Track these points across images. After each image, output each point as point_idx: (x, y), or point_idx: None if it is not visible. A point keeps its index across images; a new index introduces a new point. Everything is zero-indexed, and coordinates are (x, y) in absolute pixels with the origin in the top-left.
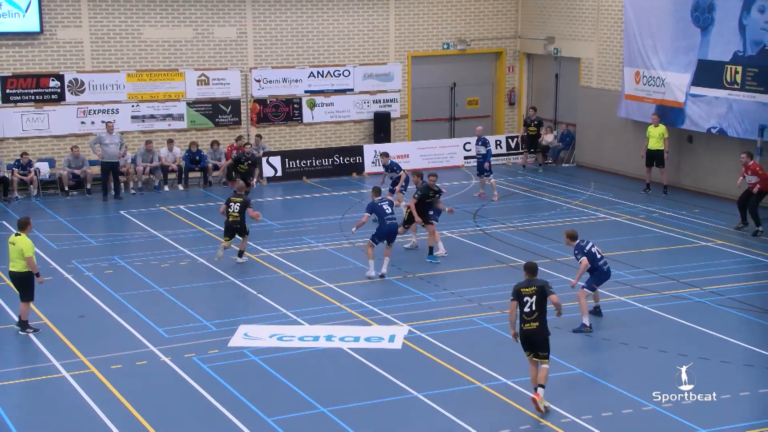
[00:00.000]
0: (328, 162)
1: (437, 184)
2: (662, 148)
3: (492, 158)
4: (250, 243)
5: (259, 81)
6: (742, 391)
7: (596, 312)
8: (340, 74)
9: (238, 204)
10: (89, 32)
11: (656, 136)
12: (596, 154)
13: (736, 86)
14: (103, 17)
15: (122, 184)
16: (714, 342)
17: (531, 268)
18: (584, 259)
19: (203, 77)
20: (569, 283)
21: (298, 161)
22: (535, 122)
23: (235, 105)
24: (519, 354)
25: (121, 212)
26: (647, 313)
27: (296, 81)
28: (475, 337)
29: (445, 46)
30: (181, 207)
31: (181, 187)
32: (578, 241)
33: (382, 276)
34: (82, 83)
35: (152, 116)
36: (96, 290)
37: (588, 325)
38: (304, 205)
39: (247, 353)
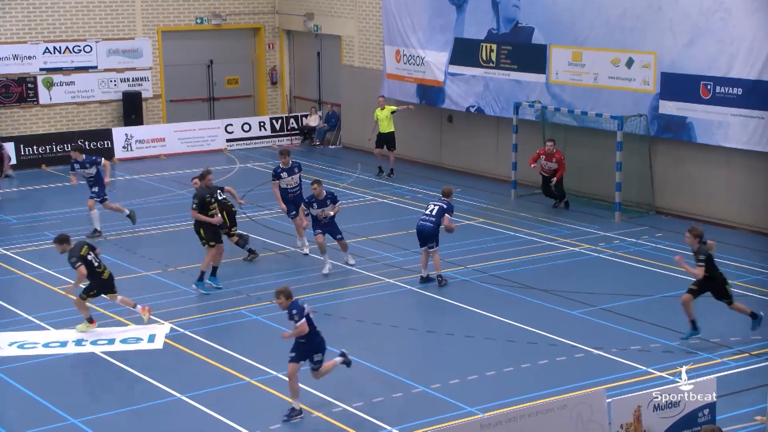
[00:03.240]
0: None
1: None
2: (393, 129)
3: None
4: None
5: None
6: (506, 368)
7: (439, 281)
8: (80, 50)
9: None
10: None
11: (384, 119)
12: (362, 135)
13: (491, 64)
14: None
15: None
16: (477, 319)
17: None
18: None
19: None
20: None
21: (35, 147)
22: None
23: None
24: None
25: None
26: (416, 294)
27: (29, 58)
28: (244, 331)
29: (199, 21)
30: None
31: None
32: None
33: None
34: None
35: None
36: None
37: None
38: (45, 196)
39: None
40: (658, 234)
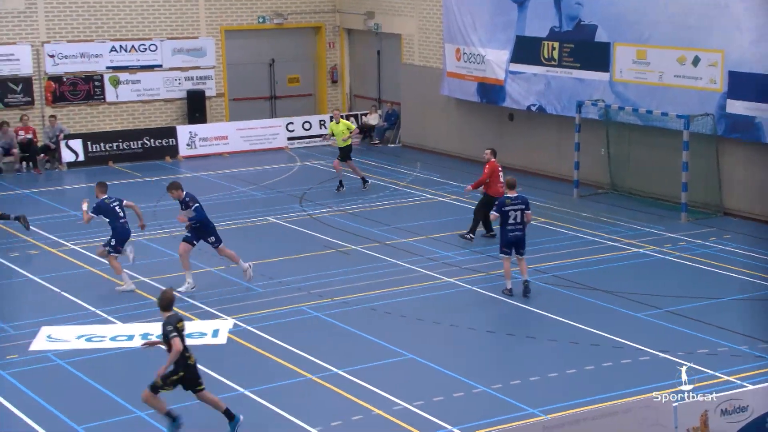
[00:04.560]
0: (138, 144)
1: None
2: (350, 143)
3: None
4: (51, 235)
5: (53, 56)
6: (568, 369)
7: (524, 288)
8: (146, 49)
9: None
10: None
11: (340, 133)
12: (421, 134)
13: (553, 62)
14: None
15: None
16: (539, 319)
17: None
18: (494, 214)
19: None
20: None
21: (102, 144)
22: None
23: (26, 83)
24: (350, 343)
25: None
26: (476, 294)
27: (96, 56)
28: (305, 327)
29: (261, 20)
30: None
31: None
32: (510, 194)
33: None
34: None
35: None
36: None
37: (509, 288)
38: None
39: (52, 357)
40: (726, 236)
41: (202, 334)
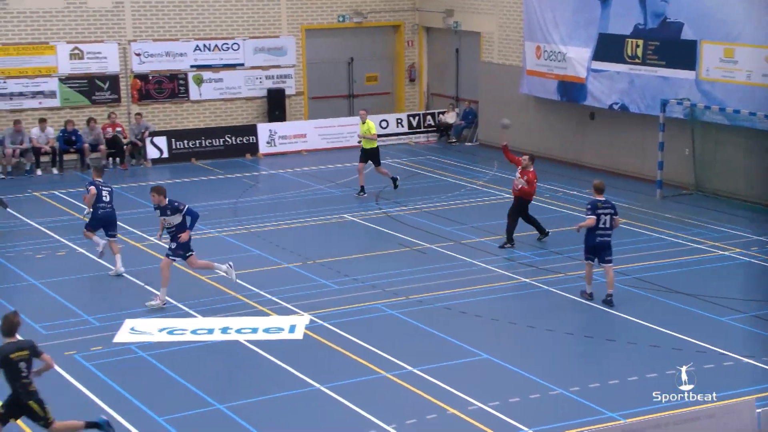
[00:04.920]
0: (219, 142)
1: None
2: (375, 145)
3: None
4: (135, 230)
5: (139, 55)
6: (649, 373)
7: (607, 301)
8: (228, 48)
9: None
10: None
11: (364, 133)
12: (499, 133)
13: (637, 60)
14: None
15: None
16: (619, 322)
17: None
18: (591, 218)
19: (77, 51)
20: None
21: (186, 141)
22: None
23: (113, 81)
24: (424, 342)
25: None
26: (553, 295)
27: (181, 55)
28: (380, 325)
29: (341, 19)
30: (56, 192)
31: (55, 171)
32: (599, 198)
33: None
34: None
35: (21, 94)
36: None
37: (588, 292)
38: (194, 188)
39: (135, 349)
40: None
41: (279, 330)
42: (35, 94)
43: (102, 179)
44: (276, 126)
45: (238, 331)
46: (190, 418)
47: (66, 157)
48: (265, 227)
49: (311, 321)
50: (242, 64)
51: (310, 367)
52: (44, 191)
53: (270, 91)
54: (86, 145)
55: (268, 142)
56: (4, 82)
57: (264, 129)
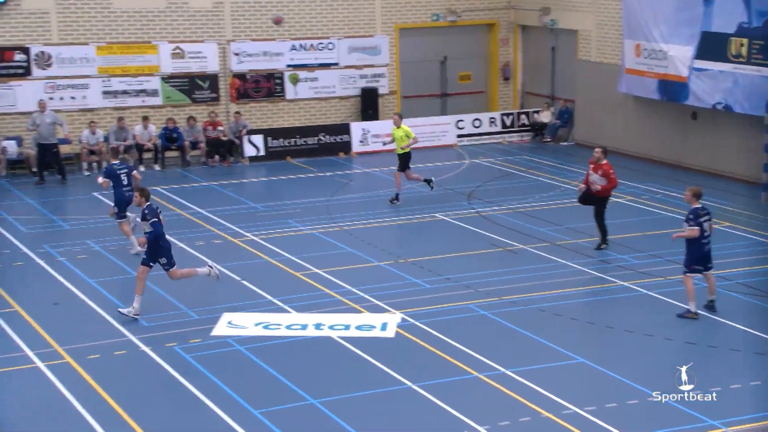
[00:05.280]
0: (314, 141)
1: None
2: (408, 151)
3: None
4: (233, 226)
5: (237, 54)
6: (753, 381)
7: (710, 306)
8: (323, 47)
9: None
10: (55, 1)
11: (398, 140)
12: (596, 132)
13: (741, 59)
14: None
15: (57, 165)
16: (721, 329)
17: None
18: (694, 229)
19: (178, 50)
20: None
21: (281, 140)
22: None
23: (212, 80)
24: (518, 343)
25: (94, 194)
26: (652, 299)
27: (277, 54)
28: (472, 325)
29: (435, 18)
30: (158, 188)
31: (157, 167)
32: (697, 205)
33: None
34: (50, 56)
35: (125, 92)
36: (70, 276)
37: (694, 311)
38: (289, 186)
39: (231, 342)
40: None
41: (371, 327)
42: (138, 93)
43: (118, 161)
44: (369, 125)
45: (331, 327)
46: (284, 412)
47: (167, 154)
48: (357, 225)
49: (403, 319)
50: (336, 64)
51: (402, 365)
52: (146, 187)
53: (363, 90)
54: (186, 143)
55: (361, 141)
56: (109, 81)
57: (357, 128)
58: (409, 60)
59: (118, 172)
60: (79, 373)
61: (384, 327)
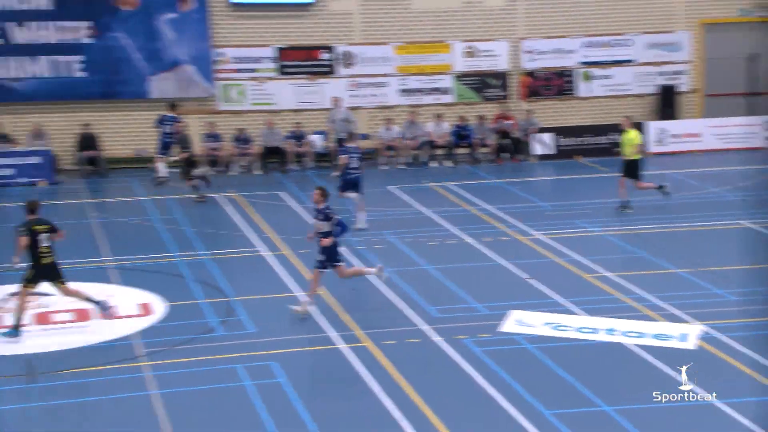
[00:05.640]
0: (604, 140)
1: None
2: (638, 158)
3: None
4: (520, 224)
5: (530, 52)
6: None
7: None
8: (618, 44)
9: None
10: (359, 3)
11: (626, 144)
12: None
13: None
14: None
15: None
16: None
17: None
18: None
19: (470, 49)
20: None
21: (571, 138)
22: None
23: (503, 78)
24: None
25: (388, 187)
26: None
27: (569, 52)
28: None
29: (742, 13)
30: (448, 184)
31: (449, 164)
32: None
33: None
34: (353, 56)
35: (419, 90)
36: (366, 264)
37: None
38: (578, 185)
39: (520, 340)
40: None
41: (668, 337)
42: (432, 91)
43: (355, 144)
44: (666, 124)
45: (625, 333)
46: (576, 416)
47: (457, 150)
48: (650, 229)
49: (705, 332)
50: (632, 60)
51: (703, 379)
52: (437, 182)
53: (661, 88)
54: (476, 140)
55: (657, 141)
56: (406, 79)
57: (653, 127)
58: (713, 56)
59: (352, 154)
60: (376, 357)
61: (683, 338)
